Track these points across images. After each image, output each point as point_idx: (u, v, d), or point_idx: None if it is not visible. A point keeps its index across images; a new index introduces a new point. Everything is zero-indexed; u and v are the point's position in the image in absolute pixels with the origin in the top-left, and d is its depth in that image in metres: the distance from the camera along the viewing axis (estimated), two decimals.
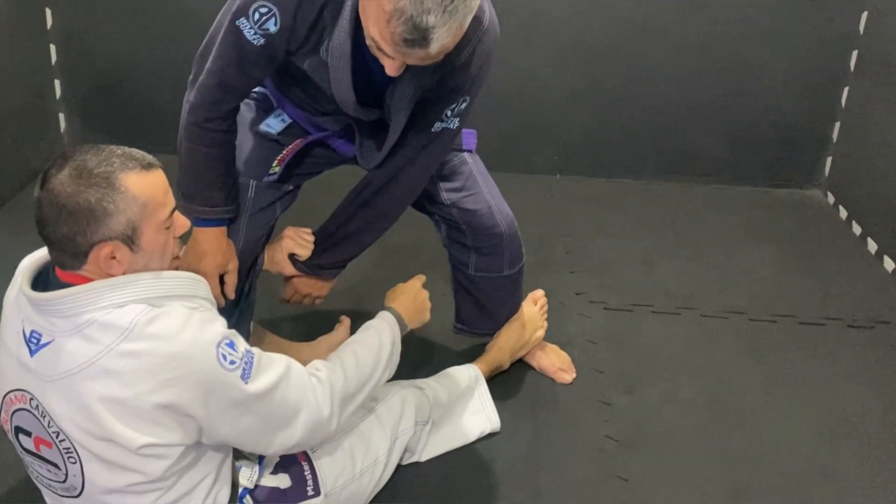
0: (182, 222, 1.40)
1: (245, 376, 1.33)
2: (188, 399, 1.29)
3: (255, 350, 1.38)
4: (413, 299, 1.74)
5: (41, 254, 1.40)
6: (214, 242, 1.70)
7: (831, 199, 3.07)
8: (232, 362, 1.32)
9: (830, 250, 2.77)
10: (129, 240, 1.30)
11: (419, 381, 1.88)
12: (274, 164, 1.76)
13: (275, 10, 1.47)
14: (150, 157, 1.33)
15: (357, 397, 1.54)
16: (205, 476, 1.42)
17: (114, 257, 1.29)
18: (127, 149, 1.32)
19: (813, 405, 2.05)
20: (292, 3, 1.47)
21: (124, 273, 1.31)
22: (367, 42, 1.40)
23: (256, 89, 1.77)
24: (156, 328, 1.28)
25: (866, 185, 2.83)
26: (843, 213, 2.96)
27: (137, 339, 1.26)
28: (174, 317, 1.30)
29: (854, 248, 2.79)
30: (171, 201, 1.35)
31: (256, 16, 1.47)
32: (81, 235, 1.27)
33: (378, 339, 1.62)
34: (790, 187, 3.17)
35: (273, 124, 1.78)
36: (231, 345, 1.33)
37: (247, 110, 1.79)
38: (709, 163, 3.15)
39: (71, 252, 1.29)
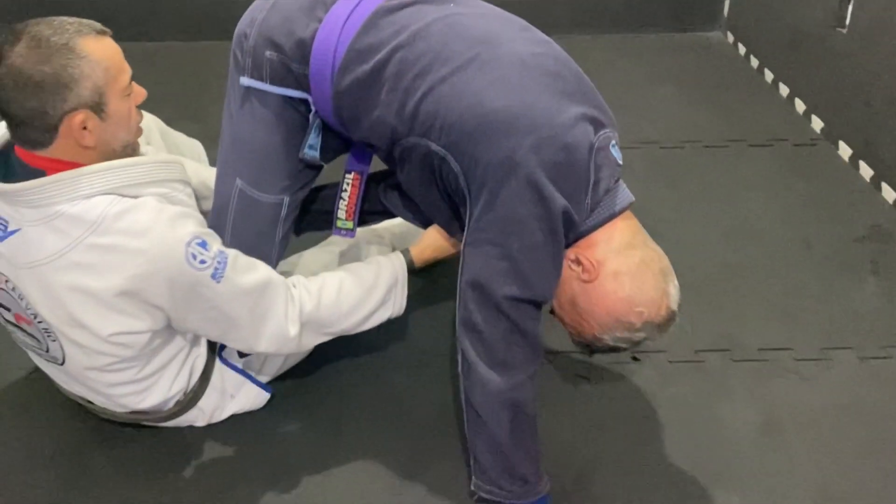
0: (140, 90, 1.37)
1: (216, 276, 1.33)
2: (155, 293, 1.31)
3: (232, 252, 1.38)
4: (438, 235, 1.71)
5: None
6: None
7: (731, 38, 3.25)
8: (202, 262, 1.31)
9: (731, 83, 2.96)
10: (98, 107, 1.28)
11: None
12: (344, 218, 1.63)
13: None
14: (98, 24, 1.30)
15: (331, 328, 1.53)
16: (182, 347, 1.49)
17: (85, 127, 1.27)
18: (75, 18, 1.29)
19: (720, 215, 2.26)
20: None
21: (96, 146, 1.30)
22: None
23: (293, 94, 1.47)
24: (125, 223, 1.28)
25: (761, 22, 3.00)
26: (742, 50, 3.15)
27: (106, 233, 1.27)
28: (144, 211, 1.29)
29: (752, 79, 2.99)
30: (128, 67, 1.33)
31: None
32: (51, 106, 1.24)
33: (373, 279, 1.57)
34: (693, 31, 3.33)
35: (314, 144, 1.51)
36: (203, 244, 1.32)
37: (267, 110, 1.49)
38: (615, 13, 3.28)
39: (41, 127, 1.26)
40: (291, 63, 1.42)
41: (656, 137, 2.59)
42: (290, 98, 1.47)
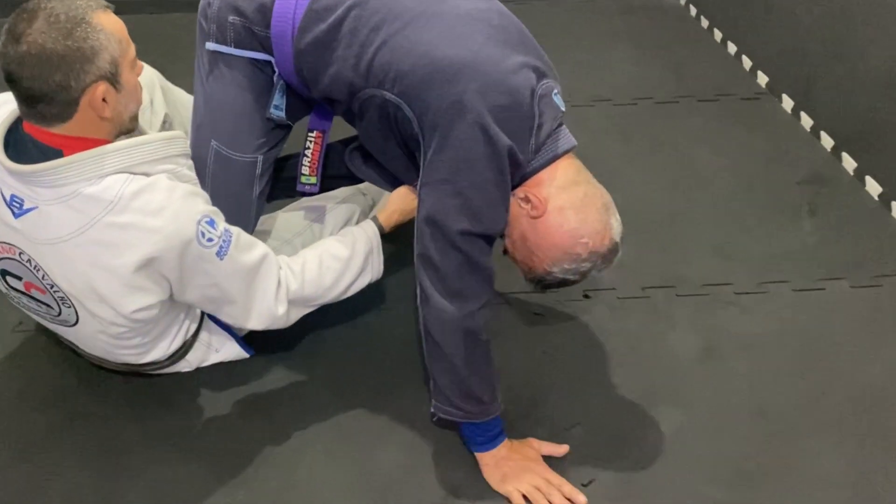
0: (140, 63, 1.43)
1: (221, 253, 1.41)
2: (167, 267, 1.39)
3: (235, 230, 1.45)
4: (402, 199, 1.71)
5: (3, 114, 1.40)
6: None
7: (683, 1, 3.37)
8: (210, 240, 1.39)
9: (683, 43, 3.07)
10: (114, 78, 1.33)
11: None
12: (307, 174, 1.72)
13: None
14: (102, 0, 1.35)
15: (316, 301, 1.61)
16: (182, 312, 1.59)
17: (104, 99, 1.32)
18: None
19: (669, 165, 2.39)
20: None
21: (112, 118, 1.36)
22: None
23: (257, 56, 1.57)
24: (141, 202, 1.34)
25: None
26: (694, 11, 3.27)
27: (123, 211, 1.33)
28: (158, 191, 1.36)
29: (703, 38, 3.11)
30: (131, 41, 1.39)
31: None
32: (74, 79, 1.28)
33: (350, 251, 1.62)
34: None
35: (280, 104, 1.61)
36: (211, 223, 1.40)
37: (235, 73, 1.59)
38: None
39: (63, 101, 1.29)
40: (253, 27, 1.53)
41: (610, 95, 2.71)
42: (255, 60, 1.57)
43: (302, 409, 1.64)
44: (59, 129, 1.34)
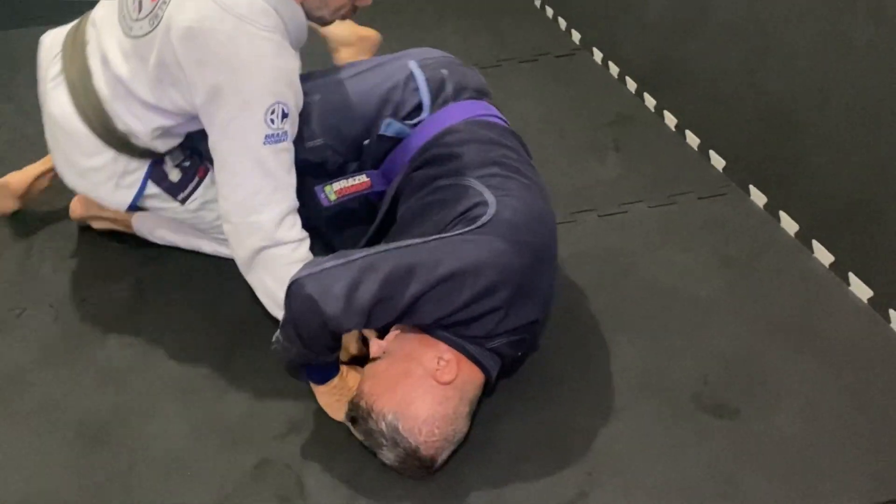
0: None
1: (267, 141, 1.53)
2: (221, 84, 1.50)
3: (286, 146, 1.56)
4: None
5: None
6: None
7: None
8: (271, 121, 1.52)
9: (506, 10, 3.26)
10: None
11: None
12: (335, 192, 1.75)
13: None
14: None
15: (265, 276, 1.65)
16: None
17: None
18: None
19: None
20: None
21: None
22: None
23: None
24: (256, 42, 1.49)
25: None
26: None
27: (249, 24, 1.48)
28: (275, 45, 1.51)
29: (524, 5, 3.33)
30: None
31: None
32: None
33: None
34: None
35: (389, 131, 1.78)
36: (284, 115, 1.53)
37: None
38: None
39: None
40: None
41: None
42: None
43: (153, 376, 1.78)
44: None
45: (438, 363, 1.49)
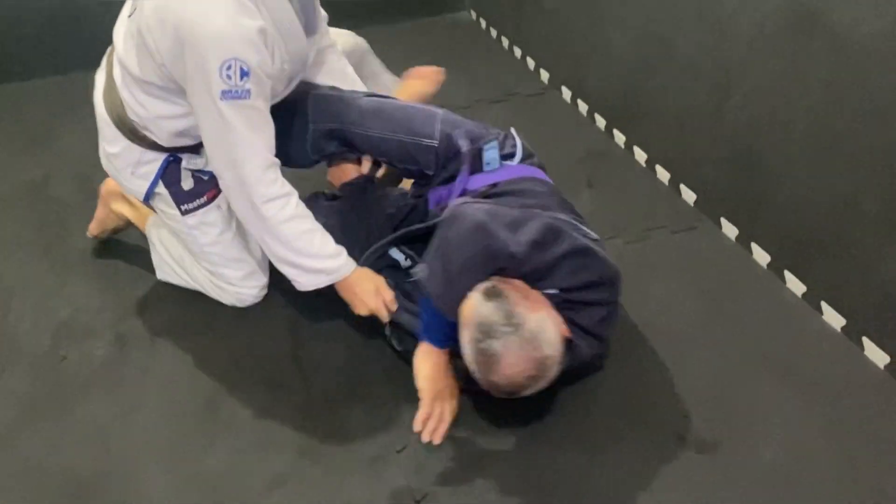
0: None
1: (224, 97, 1.58)
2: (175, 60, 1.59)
3: (255, 101, 1.61)
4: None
5: None
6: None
7: (474, 15, 3.67)
8: (228, 76, 1.56)
9: (476, 53, 3.36)
10: None
11: None
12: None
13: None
14: None
15: (262, 232, 1.75)
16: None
17: None
18: None
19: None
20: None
21: None
22: None
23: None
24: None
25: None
26: (484, 24, 3.57)
27: None
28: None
29: (493, 47, 3.42)
30: None
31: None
32: None
33: (318, 253, 1.77)
34: (442, 14, 3.72)
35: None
36: (244, 73, 1.57)
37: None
38: (373, 7, 3.62)
39: None
40: None
41: None
42: None
43: (136, 433, 1.77)
44: None
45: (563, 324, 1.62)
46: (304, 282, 1.82)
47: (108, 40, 1.82)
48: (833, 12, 1.75)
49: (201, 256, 1.99)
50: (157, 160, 1.88)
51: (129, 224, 2.25)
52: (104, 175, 2.05)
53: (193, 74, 1.59)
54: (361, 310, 1.82)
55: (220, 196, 1.93)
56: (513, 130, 2.02)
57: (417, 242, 1.89)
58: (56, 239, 2.33)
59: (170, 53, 1.60)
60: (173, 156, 1.88)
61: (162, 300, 2.10)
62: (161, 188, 1.90)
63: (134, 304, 2.09)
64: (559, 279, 1.63)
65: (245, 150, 1.66)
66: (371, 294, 1.80)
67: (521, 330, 1.52)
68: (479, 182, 1.88)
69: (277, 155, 1.73)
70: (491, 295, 1.55)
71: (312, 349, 1.94)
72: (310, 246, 1.77)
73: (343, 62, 2.11)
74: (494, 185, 1.84)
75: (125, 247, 2.30)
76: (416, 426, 1.68)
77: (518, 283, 1.62)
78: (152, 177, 1.89)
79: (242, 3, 1.57)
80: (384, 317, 1.81)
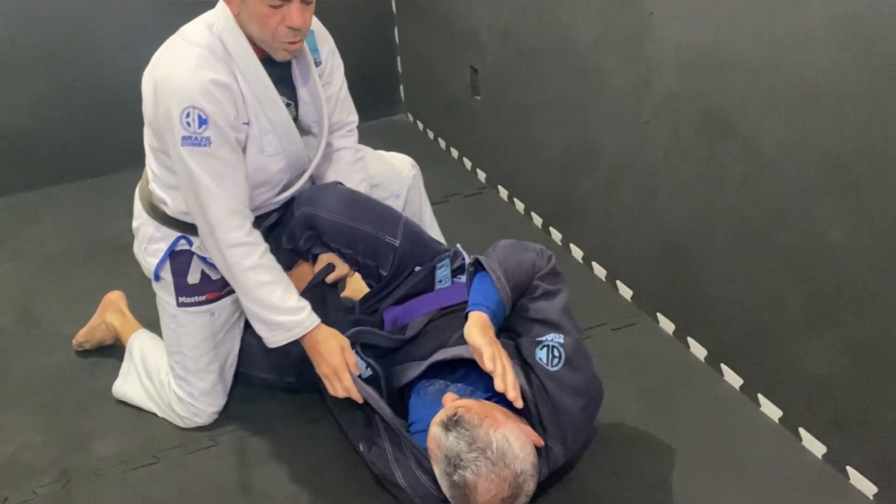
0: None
1: (184, 142, 1.68)
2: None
3: (216, 150, 1.71)
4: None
5: None
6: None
7: (411, 118, 3.79)
8: (188, 123, 1.67)
9: (414, 154, 3.38)
10: None
11: None
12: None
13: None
14: None
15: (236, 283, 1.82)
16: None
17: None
18: None
19: None
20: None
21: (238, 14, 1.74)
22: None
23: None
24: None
25: (427, 101, 3.57)
26: (421, 126, 3.69)
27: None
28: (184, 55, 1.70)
29: (431, 148, 3.52)
30: None
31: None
32: None
33: (279, 308, 1.80)
34: (381, 118, 3.82)
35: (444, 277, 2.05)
36: (202, 121, 1.68)
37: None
38: None
39: None
40: None
41: None
42: None
43: None
44: None
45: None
46: (269, 337, 1.84)
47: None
48: (743, 119, 1.85)
49: (177, 358, 2.01)
50: (167, 238, 1.94)
51: (115, 341, 2.28)
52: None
53: (164, 122, 1.71)
54: (323, 368, 1.82)
55: (216, 303, 1.97)
56: (459, 246, 2.10)
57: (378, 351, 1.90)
58: None
59: (153, 109, 1.74)
60: (184, 237, 1.93)
61: (106, 431, 2.07)
62: (167, 274, 1.95)
63: (79, 436, 2.05)
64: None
65: (206, 195, 1.74)
66: (335, 353, 1.81)
67: (487, 452, 1.53)
68: (434, 302, 1.94)
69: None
70: (450, 426, 1.57)
71: (262, 477, 1.92)
72: (270, 297, 1.79)
73: (358, 166, 2.17)
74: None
75: (69, 377, 2.28)
76: (488, 365, 1.61)
77: (475, 402, 1.64)
78: (160, 256, 1.94)
79: (207, 59, 1.71)
80: (345, 378, 1.79)
